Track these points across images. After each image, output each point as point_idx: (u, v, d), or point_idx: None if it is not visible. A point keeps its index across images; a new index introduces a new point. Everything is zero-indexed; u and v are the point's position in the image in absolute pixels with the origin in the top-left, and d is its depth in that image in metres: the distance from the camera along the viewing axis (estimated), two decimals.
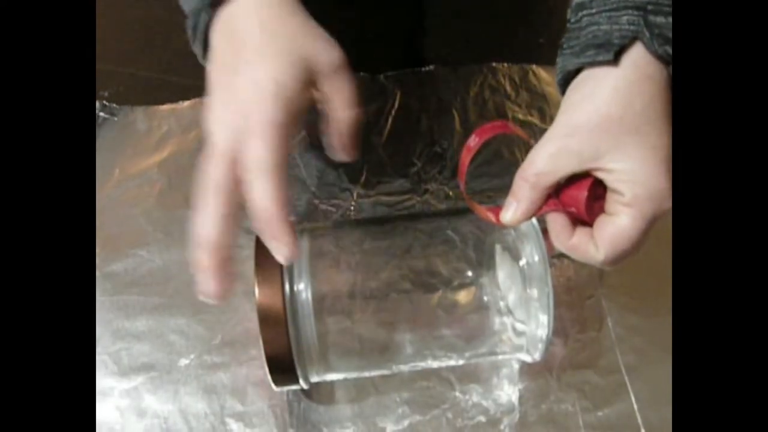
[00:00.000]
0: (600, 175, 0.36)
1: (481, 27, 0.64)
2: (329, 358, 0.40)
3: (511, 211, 0.37)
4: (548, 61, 0.61)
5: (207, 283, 0.36)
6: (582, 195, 0.36)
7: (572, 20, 0.38)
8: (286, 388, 0.43)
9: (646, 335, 0.47)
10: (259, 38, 0.37)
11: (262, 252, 0.37)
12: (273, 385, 0.39)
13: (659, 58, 0.35)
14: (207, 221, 0.36)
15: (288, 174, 0.36)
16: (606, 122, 0.35)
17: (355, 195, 0.54)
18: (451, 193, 0.53)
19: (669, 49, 0.35)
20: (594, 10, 0.36)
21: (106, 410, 0.44)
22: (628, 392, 0.45)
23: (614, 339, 0.47)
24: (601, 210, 0.37)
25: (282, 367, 0.38)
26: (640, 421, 0.43)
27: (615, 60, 0.35)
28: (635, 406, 0.44)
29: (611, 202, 0.36)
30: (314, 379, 0.40)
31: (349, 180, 0.54)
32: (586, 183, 0.36)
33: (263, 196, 0.35)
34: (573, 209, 0.37)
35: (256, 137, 0.35)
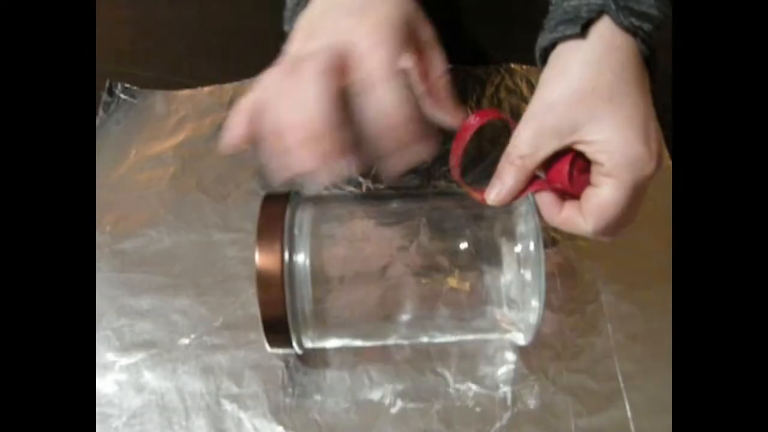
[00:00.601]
0: (580, 147, 0.37)
1: (498, 28, 0.65)
2: (323, 324, 0.40)
3: (495, 192, 0.38)
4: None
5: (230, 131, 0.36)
6: (564, 169, 0.37)
7: (553, 2, 0.40)
8: (280, 351, 0.44)
9: (646, 344, 0.46)
10: None
11: (265, 217, 0.38)
12: (267, 347, 0.39)
13: (626, 29, 0.36)
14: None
15: None
16: (579, 95, 0.36)
17: (364, 188, 0.54)
18: (459, 191, 0.53)
19: (635, 21, 0.36)
20: None
21: (105, 384, 0.45)
22: (623, 400, 0.44)
23: (613, 346, 0.46)
24: (587, 182, 0.38)
25: (277, 330, 0.38)
26: (633, 429, 0.43)
27: (583, 33, 0.37)
28: (629, 414, 0.44)
29: (594, 173, 0.37)
30: (308, 344, 0.41)
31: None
32: (568, 157, 0.37)
33: (390, 100, 0.33)
34: (558, 185, 0.38)
35: (380, 48, 0.34)
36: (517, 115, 0.57)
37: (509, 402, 0.44)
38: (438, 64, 0.40)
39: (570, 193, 0.38)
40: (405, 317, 0.40)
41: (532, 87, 0.59)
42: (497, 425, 0.43)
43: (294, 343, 0.39)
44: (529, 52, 0.62)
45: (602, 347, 0.46)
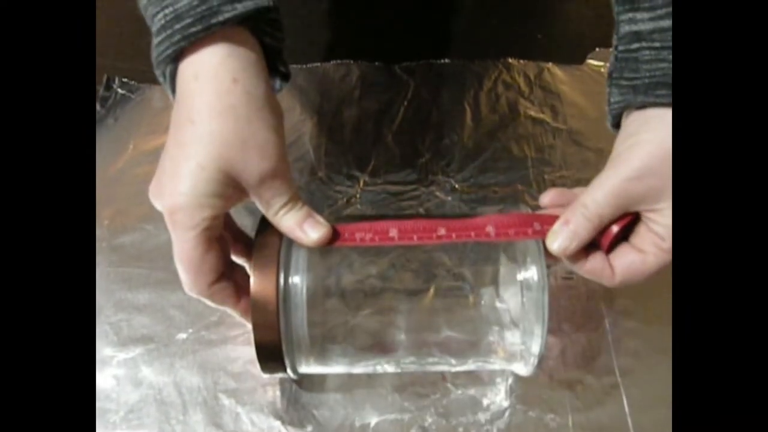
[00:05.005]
0: (650, 215, 0.35)
1: (495, 22, 0.64)
2: (319, 351, 0.39)
3: (564, 243, 0.36)
4: (549, 57, 0.62)
5: None
6: (612, 233, 0.36)
7: (621, 48, 0.36)
8: (275, 375, 0.44)
9: (643, 339, 0.46)
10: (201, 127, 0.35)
11: (260, 239, 0.38)
12: (261, 372, 0.39)
13: None
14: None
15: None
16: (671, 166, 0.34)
17: (361, 183, 0.54)
18: (457, 186, 0.53)
19: None
20: (658, 44, 0.34)
21: (103, 378, 0.45)
22: (621, 395, 0.44)
23: (610, 341, 0.46)
24: (621, 239, 0.37)
25: (270, 355, 0.37)
26: (630, 424, 0.43)
27: None
28: (627, 409, 0.44)
29: (645, 240, 0.36)
30: (303, 370, 0.40)
31: (357, 167, 0.55)
32: (622, 221, 0.36)
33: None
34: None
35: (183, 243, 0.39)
36: (515, 111, 0.58)
37: (507, 397, 0.44)
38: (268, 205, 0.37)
39: (600, 247, 0.37)
40: (404, 342, 0.39)
41: (529, 81, 0.59)
42: (495, 420, 0.43)
43: (288, 369, 0.38)
44: (526, 46, 0.62)
45: (599, 343, 0.46)
